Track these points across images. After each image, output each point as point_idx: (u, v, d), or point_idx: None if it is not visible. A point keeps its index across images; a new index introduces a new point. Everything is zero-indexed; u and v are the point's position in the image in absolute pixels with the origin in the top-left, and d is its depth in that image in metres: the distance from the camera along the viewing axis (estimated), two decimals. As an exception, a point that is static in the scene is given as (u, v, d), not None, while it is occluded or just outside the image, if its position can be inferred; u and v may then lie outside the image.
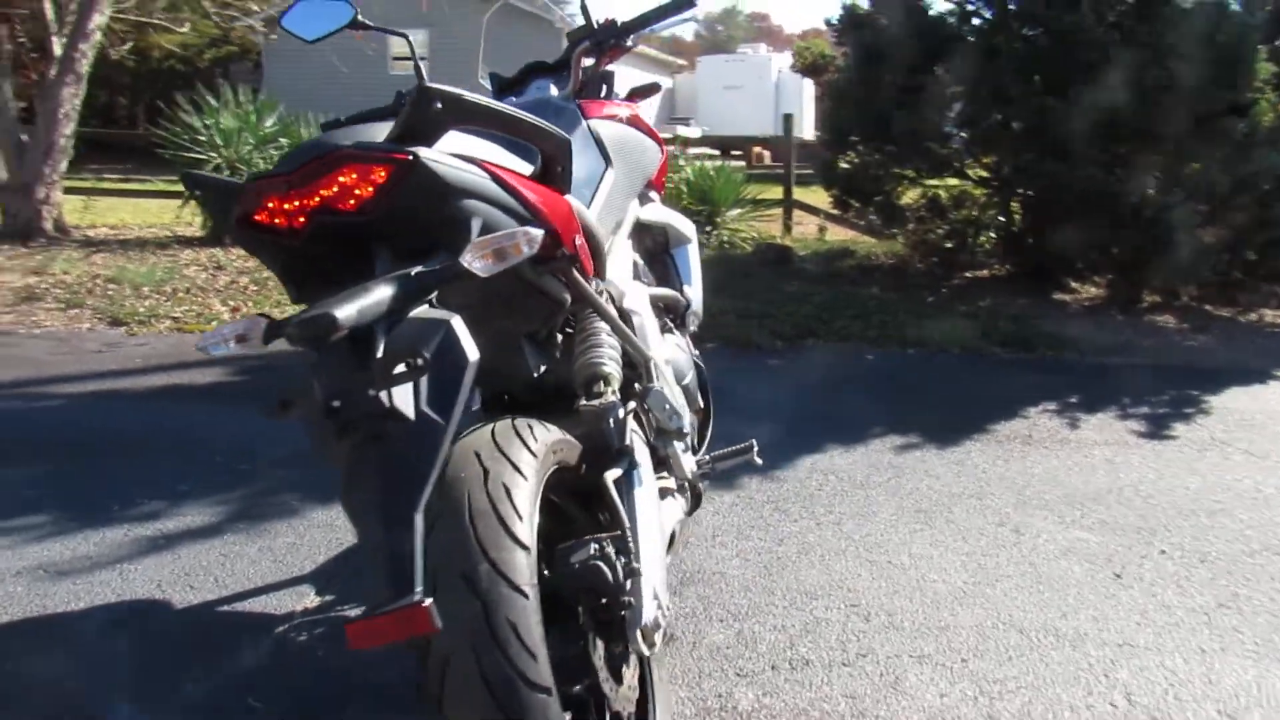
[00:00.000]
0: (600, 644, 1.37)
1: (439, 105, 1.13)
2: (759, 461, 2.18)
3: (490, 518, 1.20)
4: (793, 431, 3.60)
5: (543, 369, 1.67)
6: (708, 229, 8.10)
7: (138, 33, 12.08)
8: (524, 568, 1.18)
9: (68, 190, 8.45)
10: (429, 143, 1.15)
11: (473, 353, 1.11)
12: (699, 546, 2.60)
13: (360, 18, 2.14)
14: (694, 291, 2.38)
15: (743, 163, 12.70)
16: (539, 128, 1.32)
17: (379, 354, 1.04)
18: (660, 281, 2.34)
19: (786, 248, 7.73)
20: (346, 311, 1.00)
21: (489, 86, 2.40)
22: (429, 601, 0.98)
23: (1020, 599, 2.33)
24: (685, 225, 2.42)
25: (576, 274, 1.36)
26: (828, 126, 7.12)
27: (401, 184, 1.10)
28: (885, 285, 6.62)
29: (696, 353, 2.55)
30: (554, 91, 2.38)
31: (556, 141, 1.36)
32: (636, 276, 2.14)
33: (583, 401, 1.62)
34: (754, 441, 2.11)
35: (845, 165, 6.88)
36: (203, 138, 7.92)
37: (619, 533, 1.40)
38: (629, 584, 1.38)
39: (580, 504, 1.53)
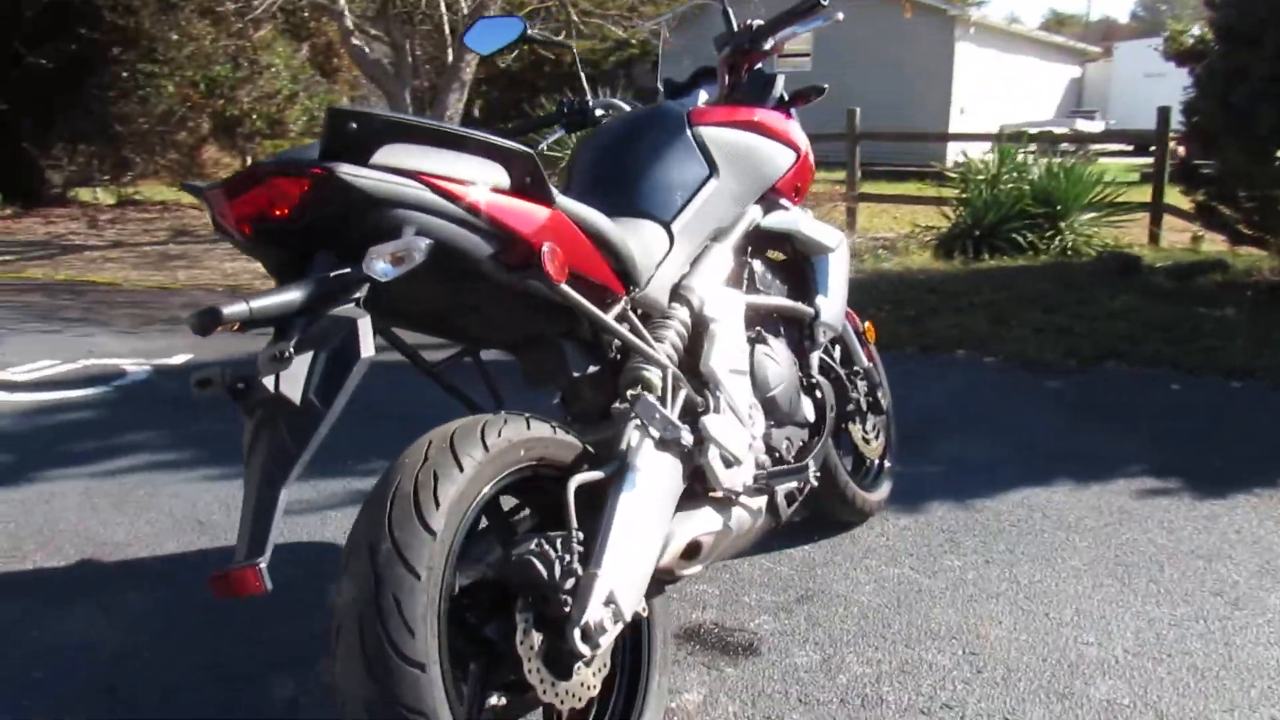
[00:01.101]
0: (537, 637, 1.43)
1: (353, 125, 1.26)
2: (814, 482, 2.06)
3: (408, 501, 1.31)
4: (1025, 460, 3.29)
5: (591, 369, 1.74)
6: (1048, 234, 7.46)
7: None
8: (424, 551, 1.28)
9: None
10: (362, 158, 1.28)
11: (365, 350, 1.23)
12: (838, 566, 2.50)
13: (530, 32, 2.33)
14: (828, 303, 2.29)
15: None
16: (485, 143, 1.40)
17: (269, 346, 1.20)
18: (794, 291, 2.29)
19: (1134, 257, 6.89)
20: (234, 308, 1.16)
21: (662, 90, 2.49)
22: (262, 565, 1.12)
23: (1185, 682, 1.99)
24: (825, 234, 2.33)
25: (549, 278, 1.42)
26: (1188, 120, 6.23)
27: (321, 195, 1.24)
28: (1248, 307, 5.69)
29: (838, 365, 2.47)
30: (703, 97, 2.42)
31: (511, 154, 1.42)
32: (753, 285, 2.13)
33: (614, 405, 1.68)
34: (810, 462, 1.99)
35: (1208, 167, 6.00)
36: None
37: (567, 532, 1.45)
38: (568, 583, 1.43)
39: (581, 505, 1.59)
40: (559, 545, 1.44)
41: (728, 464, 1.79)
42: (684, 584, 2.37)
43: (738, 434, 1.83)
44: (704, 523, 1.76)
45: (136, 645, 2.14)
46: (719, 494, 1.79)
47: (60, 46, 10.98)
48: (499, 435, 1.45)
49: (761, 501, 1.94)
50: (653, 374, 1.70)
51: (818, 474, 2.18)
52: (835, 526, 2.72)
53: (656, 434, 1.58)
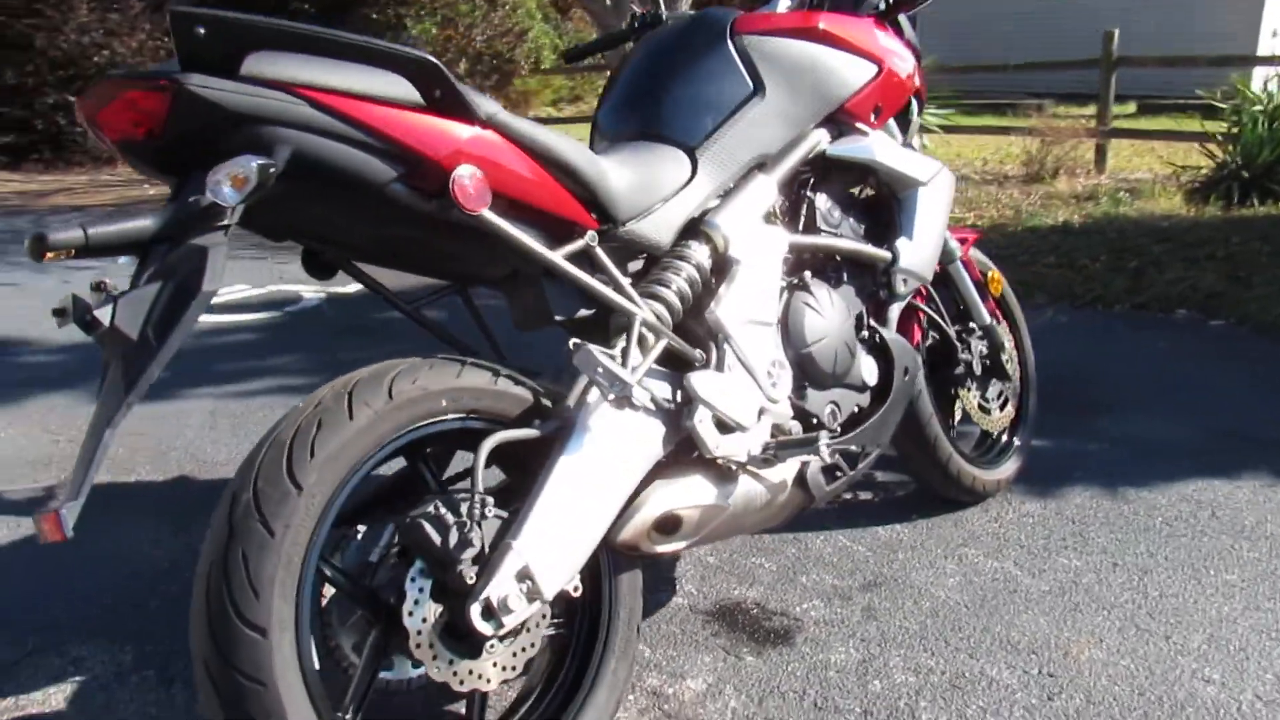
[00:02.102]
0: (433, 609, 1.28)
1: (200, 30, 1.12)
2: (824, 458, 1.73)
3: (280, 451, 1.20)
4: (1213, 445, 2.74)
5: (582, 312, 1.55)
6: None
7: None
8: (284, 508, 1.17)
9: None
10: (228, 68, 1.14)
11: (209, 283, 1.10)
12: (926, 551, 2.17)
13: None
14: (911, 247, 1.94)
15: None
16: (378, 51, 1.21)
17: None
18: (874, 232, 1.96)
19: None
20: (66, 234, 1.07)
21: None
22: (63, 511, 1.03)
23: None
24: (913, 165, 1.97)
25: (460, 206, 1.23)
26: None
27: (173, 110, 1.12)
28: None
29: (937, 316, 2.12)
30: (783, 4, 2.11)
31: (409, 62, 1.23)
32: (811, 223, 1.84)
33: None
34: (820, 436, 1.66)
35: None
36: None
37: (470, 496, 1.28)
38: (466, 552, 1.26)
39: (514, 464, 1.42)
40: (460, 509, 1.27)
41: (724, 428, 1.55)
42: (735, 556, 2.14)
43: (741, 395, 1.57)
44: (686, 494, 1.53)
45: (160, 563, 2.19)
46: (715, 463, 1.56)
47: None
48: (413, 383, 1.30)
49: (783, 474, 1.68)
50: (628, 321, 1.47)
51: (879, 447, 1.88)
52: (943, 504, 2.37)
53: (600, 389, 1.37)
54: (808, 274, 1.80)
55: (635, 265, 1.66)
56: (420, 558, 1.28)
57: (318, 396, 1.27)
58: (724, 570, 2.10)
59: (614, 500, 1.41)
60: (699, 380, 1.51)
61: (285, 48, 1.17)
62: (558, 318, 1.53)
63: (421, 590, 1.27)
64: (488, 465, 1.39)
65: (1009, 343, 2.45)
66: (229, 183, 1.10)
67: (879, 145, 1.90)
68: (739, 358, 1.60)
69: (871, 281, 1.94)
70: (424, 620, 1.27)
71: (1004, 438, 2.47)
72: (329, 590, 1.31)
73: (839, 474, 1.81)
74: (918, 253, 1.95)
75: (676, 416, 1.51)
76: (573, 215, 1.42)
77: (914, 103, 2.11)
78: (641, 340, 1.49)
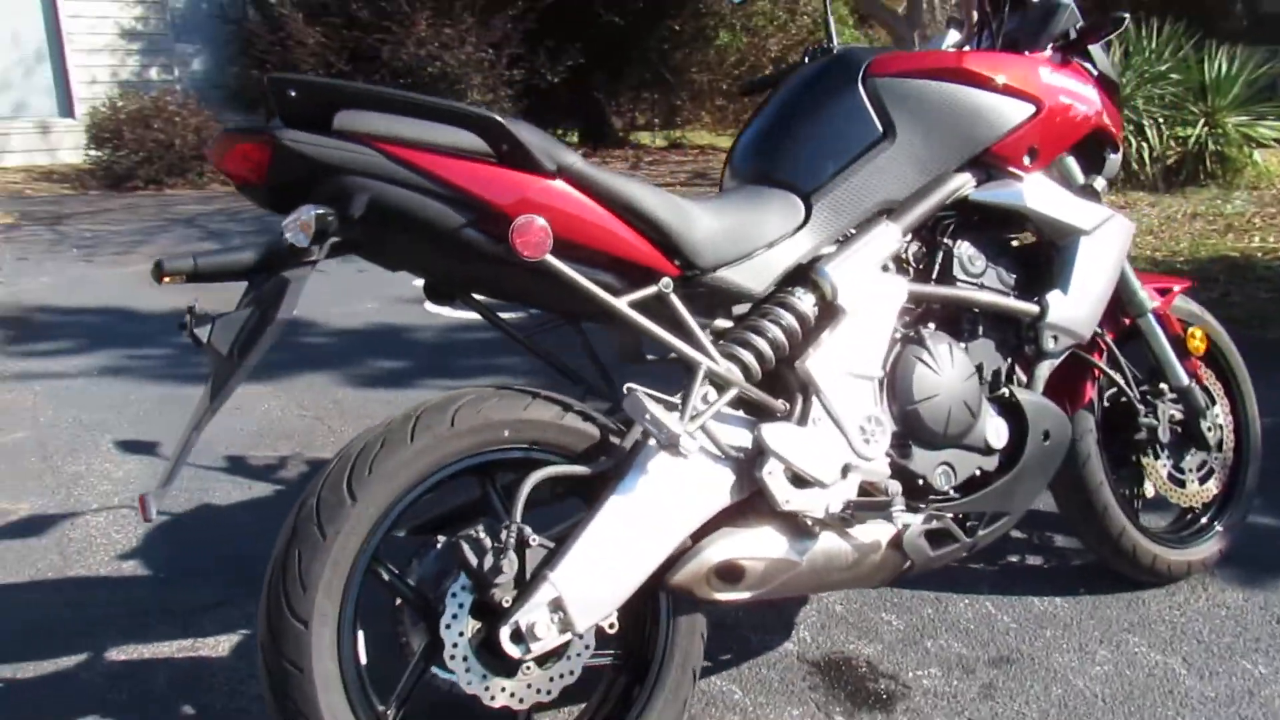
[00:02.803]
0: (471, 625, 1.37)
1: (291, 92, 1.26)
2: (907, 524, 1.59)
3: (344, 465, 1.35)
4: None
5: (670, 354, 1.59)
6: None
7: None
8: (339, 514, 1.31)
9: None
10: (320, 124, 1.28)
11: (284, 313, 1.26)
12: (1082, 632, 1.97)
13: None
14: (1064, 301, 1.78)
15: None
16: (447, 110, 1.30)
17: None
18: (1026, 281, 1.82)
19: None
20: (178, 262, 1.27)
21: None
22: (150, 496, 1.23)
23: None
24: (1074, 212, 1.79)
25: (516, 252, 1.31)
26: None
27: (272, 160, 1.28)
28: None
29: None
30: (950, 39, 2.01)
31: (474, 120, 1.31)
32: (946, 273, 1.75)
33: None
34: (894, 500, 1.56)
35: None
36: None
37: (507, 524, 1.36)
38: (501, 577, 1.34)
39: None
40: (500, 535, 1.35)
41: (799, 482, 1.52)
42: (865, 608, 2.07)
43: (821, 449, 1.53)
44: (752, 545, 1.51)
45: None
46: (791, 516, 1.53)
47: (630, 4, 12.32)
48: (477, 413, 1.40)
49: (875, 534, 1.61)
50: (704, 364, 1.48)
51: (1008, 515, 1.75)
52: (1123, 583, 2.14)
53: (651, 434, 1.39)
54: (930, 326, 1.71)
55: (742, 308, 1.66)
56: (465, 574, 1.37)
57: (391, 419, 1.40)
58: (847, 621, 2.03)
59: (663, 544, 1.43)
60: (771, 431, 1.49)
61: (370, 107, 1.31)
62: (649, 356, 1.58)
63: (461, 606, 1.37)
64: (561, 498, 1.47)
65: (1219, 409, 2.17)
66: (297, 228, 1.26)
67: (1032, 190, 1.76)
68: (827, 410, 1.56)
69: (1016, 337, 1.80)
70: (460, 634, 1.36)
71: (1206, 515, 2.19)
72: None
73: (951, 540, 1.70)
74: (1072, 308, 1.78)
75: (749, 466, 1.50)
76: (648, 261, 1.46)
77: (1106, 143, 1.92)
78: (718, 388, 1.49)
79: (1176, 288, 2.12)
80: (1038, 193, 1.76)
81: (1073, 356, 1.98)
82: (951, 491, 1.69)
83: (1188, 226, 6.09)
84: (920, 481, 1.66)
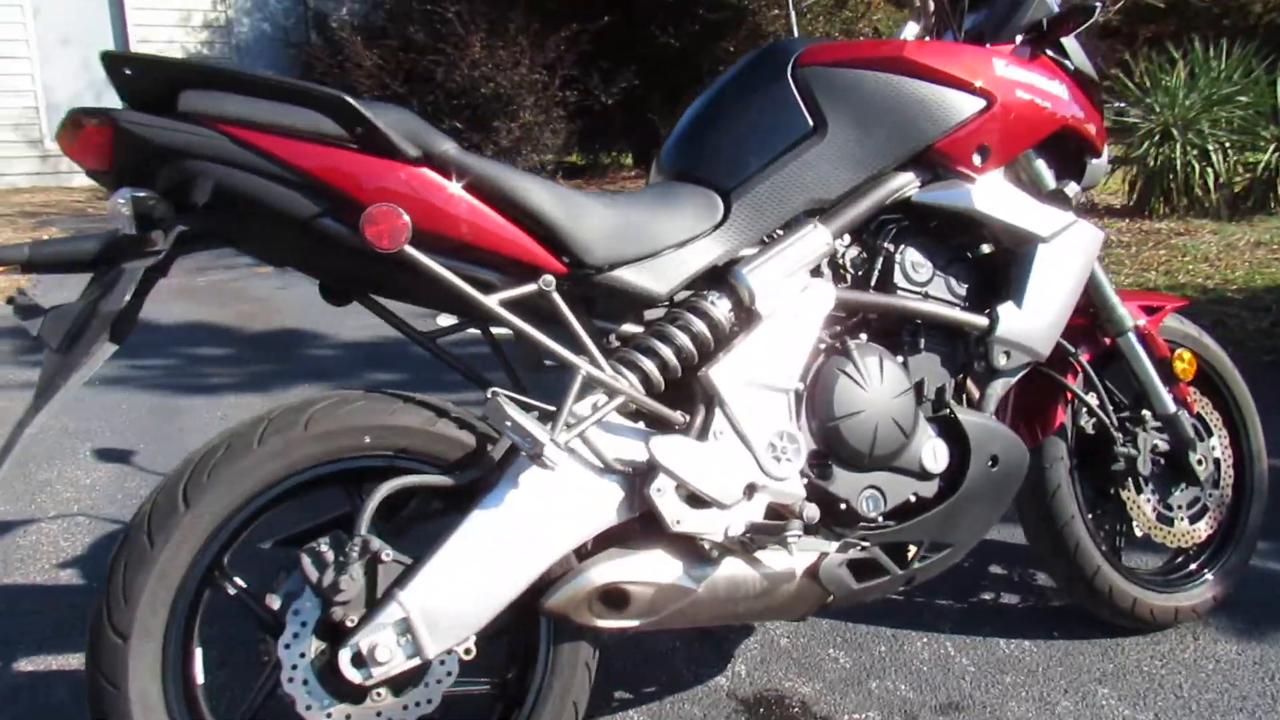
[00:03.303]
0: (314, 645, 1.26)
1: (127, 70, 1.18)
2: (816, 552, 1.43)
3: (186, 469, 1.27)
4: None
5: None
6: None
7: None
8: (169, 522, 1.23)
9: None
10: (165, 104, 1.21)
11: (113, 304, 1.18)
12: (1048, 682, 1.79)
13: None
14: (1017, 314, 1.62)
15: None
16: (296, 90, 1.21)
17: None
18: (978, 291, 1.67)
19: None
20: (9, 252, 1.21)
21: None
22: None
23: None
24: (1029, 217, 1.63)
25: (368, 244, 1.21)
26: None
27: (114, 144, 1.21)
28: None
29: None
30: (909, 31, 1.87)
31: (324, 101, 1.21)
32: (887, 279, 1.61)
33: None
34: (791, 524, 1.41)
35: None
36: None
37: (355, 538, 1.25)
38: (341, 595, 1.24)
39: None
40: (345, 549, 1.25)
41: (695, 502, 1.39)
42: (812, 643, 1.91)
43: (721, 466, 1.40)
44: (641, 569, 1.39)
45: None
46: (689, 539, 1.40)
47: (685, 26, 12.31)
48: (334, 417, 1.31)
49: (790, 562, 1.47)
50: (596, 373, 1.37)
51: (951, 547, 1.59)
52: (1105, 628, 1.95)
53: (513, 444, 1.28)
54: (861, 337, 1.56)
55: (657, 312, 1.54)
56: (309, 590, 1.27)
57: (239, 423, 1.32)
58: (790, 656, 1.88)
59: (531, 564, 1.32)
60: (662, 445, 1.36)
61: (216, 86, 1.23)
62: (547, 363, 1.47)
63: (304, 624, 1.27)
64: (442, 513, 1.37)
65: (1217, 441, 1.97)
66: (117, 212, 1.18)
67: (981, 191, 1.60)
68: (732, 424, 1.43)
69: (964, 352, 1.65)
70: (301, 655, 1.26)
71: (1200, 557, 1.99)
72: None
73: (880, 572, 1.55)
74: (1026, 321, 1.62)
75: (639, 482, 1.38)
76: (529, 258, 1.35)
77: (1086, 146, 1.76)
78: (611, 395, 1.38)
79: (1168, 306, 1.94)
80: (987, 195, 1.61)
81: (1043, 377, 1.82)
82: (881, 518, 1.54)
83: (1248, 255, 5.76)
84: (843, 506, 1.52)
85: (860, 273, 1.62)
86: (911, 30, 1.88)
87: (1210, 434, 1.98)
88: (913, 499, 1.57)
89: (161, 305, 4.70)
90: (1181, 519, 1.92)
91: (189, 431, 3.18)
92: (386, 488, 1.28)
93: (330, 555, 1.25)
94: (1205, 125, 7.25)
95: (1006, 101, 1.60)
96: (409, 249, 1.24)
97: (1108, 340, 1.86)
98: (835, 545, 1.50)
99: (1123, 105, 7.51)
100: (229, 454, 1.26)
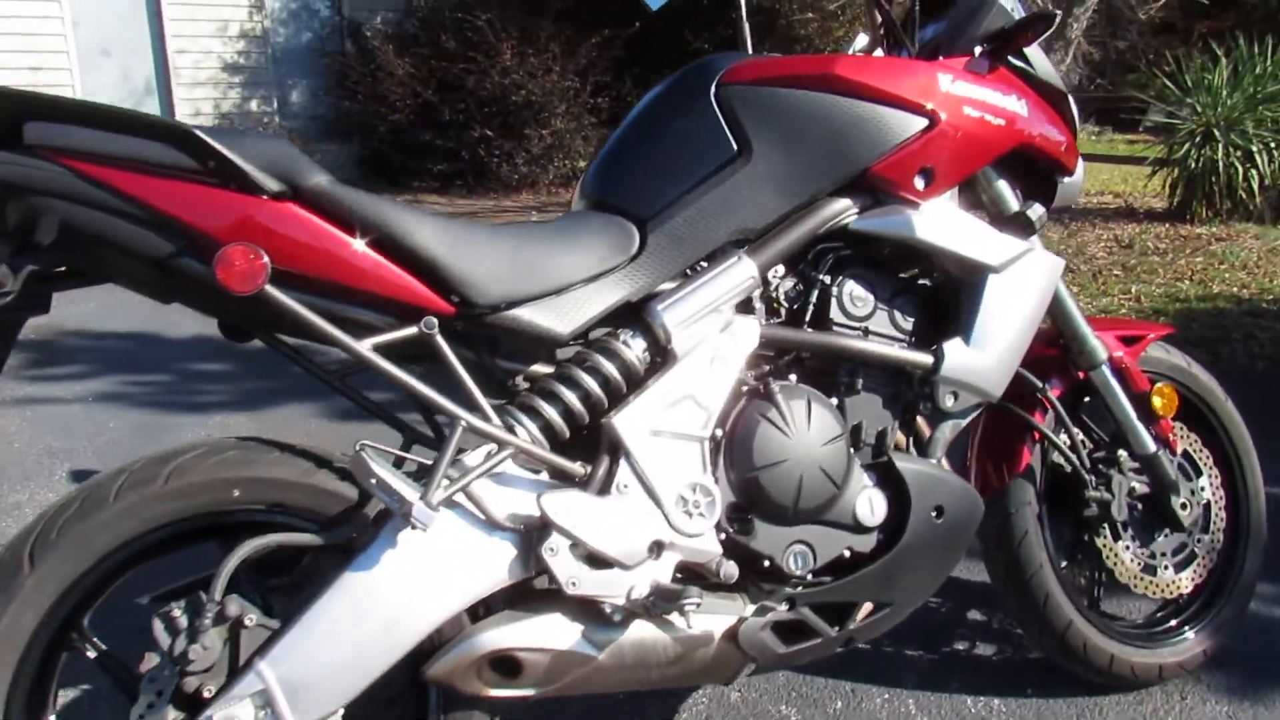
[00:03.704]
0: (171, 715, 1.18)
1: None
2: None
3: (35, 526, 1.19)
4: None
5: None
6: None
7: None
8: (14, 583, 1.17)
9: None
10: (8, 137, 1.13)
11: None
12: (1007, 746, 1.65)
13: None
14: (964, 351, 1.48)
15: None
16: (142, 122, 1.13)
17: None
18: (925, 326, 1.54)
19: None
20: None
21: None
22: None
23: None
24: (981, 245, 1.50)
25: (222, 286, 1.13)
26: None
27: None
28: None
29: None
30: (860, 44, 1.75)
31: (172, 133, 1.13)
32: (822, 315, 1.49)
33: None
34: (690, 589, 1.29)
35: None
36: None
37: (206, 599, 1.16)
38: (196, 664, 1.15)
39: None
40: (199, 613, 1.17)
41: (595, 561, 1.28)
42: (764, 699, 1.79)
43: (623, 522, 1.29)
44: (534, 634, 1.28)
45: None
46: (587, 600, 1.30)
47: (720, 31, 12.18)
48: (198, 469, 1.22)
49: (705, 624, 1.36)
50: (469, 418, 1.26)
51: (893, 605, 1.47)
52: (1090, 685, 1.80)
53: (382, 500, 1.19)
54: (789, 378, 1.44)
55: (569, 352, 1.44)
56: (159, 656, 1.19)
57: (105, 473, 1.24)
58: (739, 712, 1.76)
59: (406, 630, 1.22)
60: (554, 500, 1.26)
61: (62, 119, 1.15)
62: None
63: (160, 693, 1.18)
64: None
65: (1206, 481, 1.81)
66: None
67: (923, 218, 1.47)
68: (637, 476, 1.32)
69: (909, 393, 1.52)
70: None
71: (1189, 608, 1.83)
72: None
73: (810, 634, 1.43)
74: (974, 359, 1.49)
75: (533, 540, 1.28)
76: (410, 297, 1.25)
77: (1056, 165, 1.62)
78: (499, 446, 1.27)
79: (1150, 335, 1.78)
80: (930, 221, 1.47)
81: (1009, 415, 1.69)
82: (810, 576, 1.42)
83: (1292, 262, 5.50)
84: (767, 563, 1.40)
85: (795, 307, 1.50)
86: (860, 44, 1.75)
87: (1199, 473, 1.82)
88: (847, 554, 1.44)
89: (167, 319, 4.70)
90: (1166, 567, 1.77)
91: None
92: (246, 548, 1.19)
93: (183, 620, 1.17)
94: (1249, 125, 6.95)
95: (952, 120, 1.47)
96: (270, 289, 1.15)
97: (1081, 375, 1.72)
98: (757, 606, 1.38)
99: (1157, 105, 7.25)
100: (81, 510, 1.18)
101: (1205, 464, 1.83)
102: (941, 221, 1.48)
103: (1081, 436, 1.76)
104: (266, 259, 1.14)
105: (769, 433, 1.38)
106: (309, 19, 12.11)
